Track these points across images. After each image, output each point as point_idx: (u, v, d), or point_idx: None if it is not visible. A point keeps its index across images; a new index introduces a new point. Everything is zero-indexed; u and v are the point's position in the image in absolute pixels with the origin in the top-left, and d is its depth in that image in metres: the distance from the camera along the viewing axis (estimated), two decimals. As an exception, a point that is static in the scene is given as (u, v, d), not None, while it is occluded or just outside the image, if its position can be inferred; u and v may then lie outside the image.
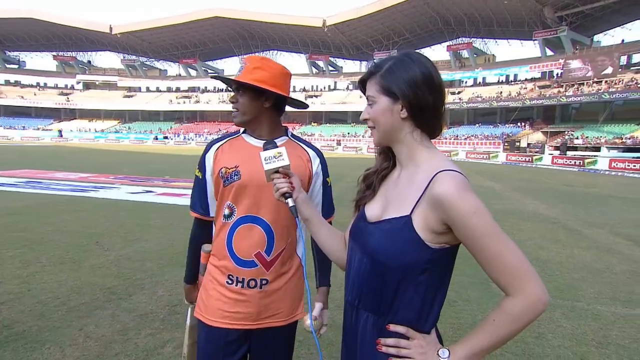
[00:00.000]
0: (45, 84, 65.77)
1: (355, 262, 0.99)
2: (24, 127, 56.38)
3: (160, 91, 66.08)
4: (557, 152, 31.79)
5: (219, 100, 59.75)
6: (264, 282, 1.32)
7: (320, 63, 61.04)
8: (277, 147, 1.15)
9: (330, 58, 60.63)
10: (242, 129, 1.41)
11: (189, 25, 56.41)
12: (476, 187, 11.87)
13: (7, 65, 65.72)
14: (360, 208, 1.06)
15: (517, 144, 36.56)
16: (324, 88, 59.91)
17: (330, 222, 1.37)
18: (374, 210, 0.99)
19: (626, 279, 4.22)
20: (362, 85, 1.02)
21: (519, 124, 41.83)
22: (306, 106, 1.57)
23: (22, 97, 60.36)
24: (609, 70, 38.64)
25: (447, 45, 52.97)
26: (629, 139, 31.48)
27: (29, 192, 8.61)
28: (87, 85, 66.62)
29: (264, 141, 1.20)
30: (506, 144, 36.33)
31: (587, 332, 2.96)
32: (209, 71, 67.79)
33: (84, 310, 2.99)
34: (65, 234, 5.14)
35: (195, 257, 1.47)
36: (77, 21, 58.62)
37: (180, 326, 2.80)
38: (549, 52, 46.35)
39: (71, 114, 62.61)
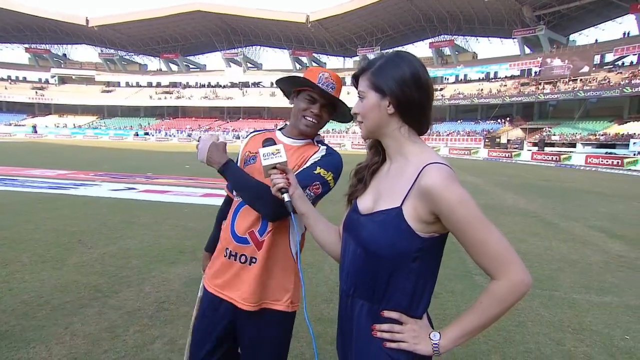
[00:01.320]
0: (17, 77, 63.30)
1: (349, 253, 1.04)
2: (-6, 122, 54.23)
3: (141, 86, 64.59)
4: (535, 148, 32.70)
5: (201, 96, 58.91)
6: (253, 260, 1.39)
7: (304, 59, 60.83)
8: (275, 144, 1.21)
9: (313, 54, 60.51)
10: (279, 126, 1.55)
11: (170, 19, 55.26)
12: (459, 182, 12.14)
13: (-26, 58, 63.01)
14: (352, 201, 1.11)
15: (498, 140, 37.45)
16: (308, 84, 59.78)
17: None
18: (365, 203, 1.04)
19: (599, 269, 4.42)
20: (355, 80, 1.07)
21: (499, 120, 42.77)
22: (351, 119, 1.50)
23: (-7, 91, 58.00)
24: (585, 69, 39.90)
25: (430, 43, 53.59)
26: (602, 135, 32.64)
27: (4, 189, 8.31)
28: (63, 80, 64.49)
29: (263, 140, 1.28)
30: (487, 140, 37.14)
31: (564, 320, 3.10)
32: (191, 66, 66.76)
33: (69, 308, 2.95)
34: (45, 233, 5.02)
35: (217, 229, 1.63)
36: (50, 12, 56.55)
37: (169, 322, 2.80)
38: (528, 51, 47.54)
39: (46, 109, 60.57)
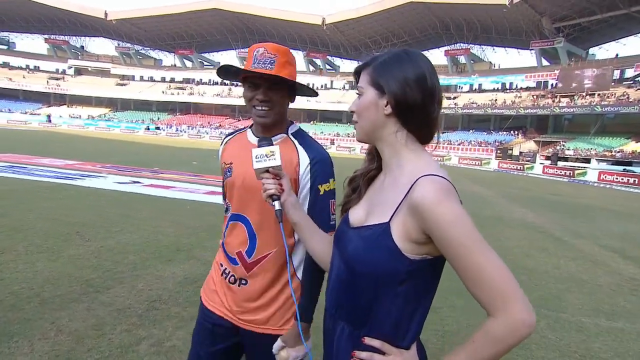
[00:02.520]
0: (35, 66, 64.45)
1: (334, 269, 0.95)
2: (10, 110, 55.19)
3: (154, 81, 65.31)
4: (548, 162, 32.19)
5: (213, 94, 59.31)
6: (242, 282, 1.29)
7: (318, 61, 60.91)
8: (271, 144, 1.10)
9: (328, 57, 60.55)
10: (249, 124, 1.38)
11: (187, 15, 55.81)
12: (467, 192, 11.96)
13: (-4, 46, 64.45)
14: (344, 212, 1.02)
15: (510, 151, 36.93)
16: (320, 86, 59.76)
17: None
18: (357, 215, 0.95)
19: (610, 291, 4.24)
20: (356, 75, 0.98)
21: (512, 132, 42.24)
22: (315, 94, 1.50)
23: (11, 79, 59.04)
24: (603, 83, 39.22)
25: (445, 50, 53.24)
26: (619, 152, 31.99)
27: (12, 176, 8.39)
28: (79, 71, 65.47)
29: (259, 138, 1.15)
30: (499, 152, 36.66)
31: (571, 344, 2.96)
32: (205, 63, 67.23)
33: (58, 302, 2.90)
34: (46, 222, 5.01)
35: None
36: (70, 4, 57.50)
37: (158, 323, 2.73)
38: (545, 62, 46.91)
39: (61, 99, 61.50)
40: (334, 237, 1.02)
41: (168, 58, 68.79)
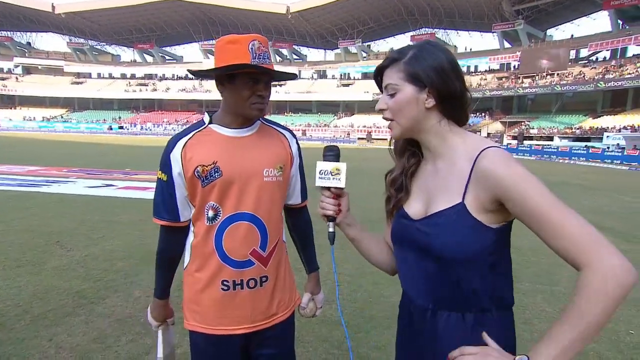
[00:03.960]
0: (-24, 67, 60.16)
1: (411, 264, 0.94)
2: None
3: (114, 78, 62.47)
4: (515, 142, 33.52)
5: (178, 89, 57.49)
6: (264, 279, 1.26)
7: (284, 51, 60.25)
8: (338, 160, 1.02)
9: (294, 46, 60.03)
10: (206, 120, 1.27)
11: (145, 7, 53.57)
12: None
13: None
14: (394, 212, 1.01)
15: (478, 133, 38.22)
16: (289, 77, 59.31)
17: (304, 207, 1.43)
18: (416, 209, 0.95)
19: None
20: (379, 73, 0.96)
21: (479, 114, 43.61)
22: (295, 76, 1.50)
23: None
24: (561, 63, 41.08)
25: (411, 36, 54.00)
26: (578, 129, 33.77)
27: (-30, 187, 7.82)
28: (28, 70, 61.64)
29: (325, 146, 1.06)
30: (467, 134, 37.83)
31: (569, 315, 3.11)
32: (167, 57, 65.03)
33: (52, 318, 2.74)
34: (19, 234, 4.72)
35: (170, 270, 1.34)
36: (14, -2, 53.77)
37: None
38: (507, 45, 48.51)
39: (9, 101, 57.76)
40: (393, 235, 1.01)
41: (127, 53, 66.07)
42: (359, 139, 42.94)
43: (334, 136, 45.08)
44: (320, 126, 48.75)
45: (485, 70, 49.85)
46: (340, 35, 55.85)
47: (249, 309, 1.25)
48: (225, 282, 1.22)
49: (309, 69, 59.80)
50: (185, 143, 1.21)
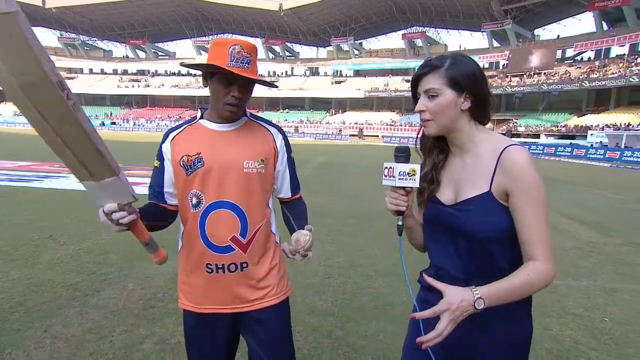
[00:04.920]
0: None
1: (444, 243, 1.09)
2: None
3: (106, 73, 61.62)
4: (502, 139, 33.85)
5: (171, 85, 56.92)
6: (244, 265, 1.32)
7: (277, 48, 59.93)
8: (409, 155, 1.09)
9: (287, 43, 59.71)
10: (198, 115, 1.37)
11: (137, 3, 52.80)
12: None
13: None
14: (426, 202, 1.15)
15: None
16: (281, 74, 58.99)
17: (297, 199, 1.48)
18: (447, 196, 1.09)
19: (573, 255, 4.61)
20: (417, 79, 1.08)
21: (468, 112, 43.92)
22: (276, 86, 1.62)
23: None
24: (547, 62, 41.55)
25: (402, 34, 54.07)
26: (564, 126, 34.24)
27: (-39, 182, 7.71)
28: (19, 65, 60.48)
29: (396, 147, 1.10)
30: (457, 131, 38.09)
31: (547, 304, 3.21)
32: (159, 53, 64.23)
33: (46, 310, 2.75)
34: (10, 229, 4.68)
35: (148, 212, 1.26)
36: (4, -7, 52.70)
37: (157, 321, 2.67)
38: (496, 44, 48.92)
39: None
40: (426, 219, 1.15)
41: (119, 49, 65.06)
42: (350, 135, 43.02)
43: (325, 133, 45.09)
44: (312, 123, 48.70)
45: (475, 69, 50.26)
46: (332, 32, 55.72)
47: (232, 291, 1.32)
48: (209, 265, 1.30)
49: (302, 66, 59.61)
50: (175, 136, 1.34)
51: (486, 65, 49.09)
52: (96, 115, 52.99)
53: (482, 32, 48.34)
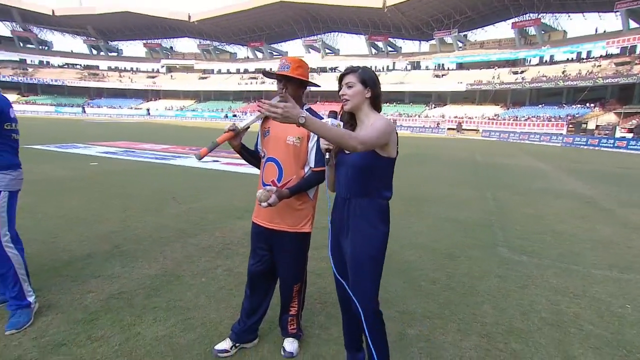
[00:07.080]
0: (137, 68, 72.17)
1: (342, 174, 1.72)
2: (120, 106, 62.87)
3: (230, 73, 69.13)
4: (630, 135, 28.45)
5: (282, 82, 60.89)
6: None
7: (380, 44, 59.36)
8: (336, 118, 1.69)
9: (389, 38, 58.67)
10: None
11: (256, 10, 57.75)
12: (525, 168, 11.50)
13: (110, 54, 73.22)
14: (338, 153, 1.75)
15: (584, 125, 33.21)
16: (382, 69, 58.39)
17: (315, 171, 1.98)
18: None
19: (638, 252, 4.18)
20: (342, 76, 1.69)
21: (587, 104, 37.73)
22: (318, 86, 2.25)
23: (120, 80, 67.10)
24: None
25: (512, 23, 48.53)
26: None
27: (126, 158, 10.14)
28: (170, 69, 71.76)
29: (330, 111, 1.73)
30: (570, 126, 33.16)
31: (569, 287, 3.17)
32: (274, 53, 69.20)
33: (164, 241, 3.85)
34: (150, 191, 6.21)
35: (247, 152, 2.14)
36: (161, 12, 63.04)
37: (229, 257, 3.53)
38: (633, 25, 40.43)
39: (156, 95, 68.20)
40: (339, 162, 1.73)
41: (242, 51, 72.11)
42: (448, 129, 40.81)
43: (423, 126, 43.56)
44: (410, 116, 47.43)
45: (601, 56, 42.48)
46: (435, 26, 52.88)
47: (265, 213, 2.03)
48: None
49: (403, 60, 58.08)
50: (264, 117, 2.02)
51: (617, 51, 41.09)
52: (221, 109, 60.12)
53: (616, 12, 40.38)
